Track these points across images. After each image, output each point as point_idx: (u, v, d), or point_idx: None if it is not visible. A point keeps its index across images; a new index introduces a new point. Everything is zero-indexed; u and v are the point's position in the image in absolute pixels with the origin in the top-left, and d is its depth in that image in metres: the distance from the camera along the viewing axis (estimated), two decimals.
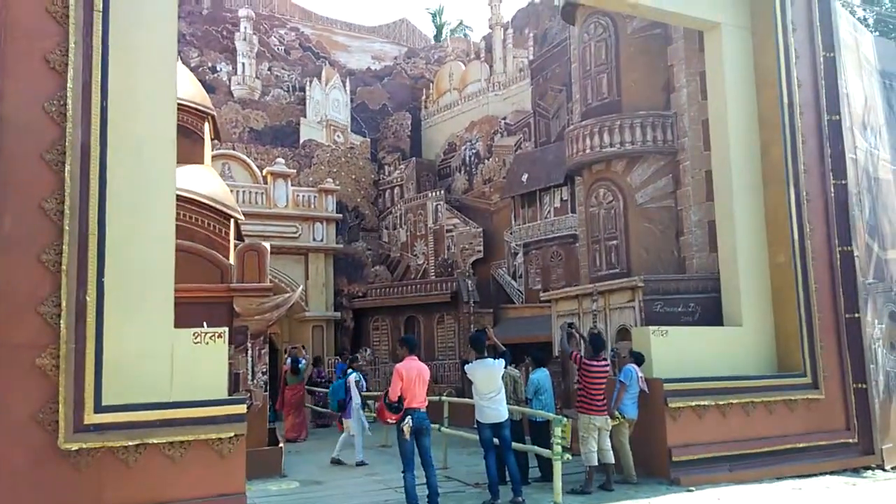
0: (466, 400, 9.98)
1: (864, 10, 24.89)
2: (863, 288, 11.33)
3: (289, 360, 14.93)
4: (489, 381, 8.36)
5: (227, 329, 7.24)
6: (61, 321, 6.10)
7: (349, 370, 12.51)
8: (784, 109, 11.08)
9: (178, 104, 11.59)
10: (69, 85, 6.39)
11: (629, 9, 11.50)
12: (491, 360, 8.47)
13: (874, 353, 11.41)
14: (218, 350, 7.06)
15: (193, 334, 6.96)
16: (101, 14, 6.64)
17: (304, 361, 15.39)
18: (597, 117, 13.59)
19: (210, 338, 7.02)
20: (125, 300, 6.60)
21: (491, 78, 22.15)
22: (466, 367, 8.65)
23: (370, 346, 20.11)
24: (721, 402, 9.76)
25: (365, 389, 12.37)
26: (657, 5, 10.97)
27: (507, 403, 8.75)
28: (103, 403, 6.26)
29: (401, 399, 7.68)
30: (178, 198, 10.82)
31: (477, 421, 8.48)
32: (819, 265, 10.90)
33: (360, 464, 11.15)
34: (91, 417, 6.15)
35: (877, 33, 21.92)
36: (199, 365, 6.94)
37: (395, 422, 7.68)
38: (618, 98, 13.68)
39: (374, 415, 9.43)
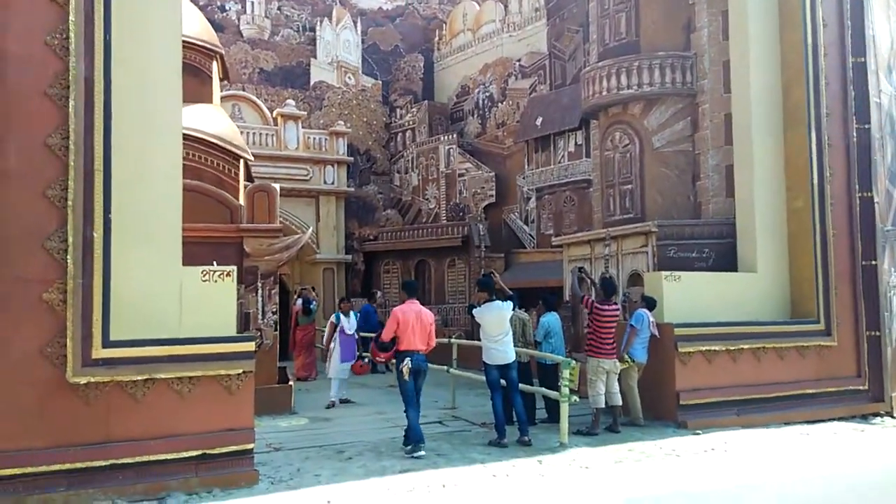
0: (474, 342, 9.98)
1: None
2: (881, 235, 11.14)
3: (299, 301, 14.98)
4: (498, 323, 8.35)
5: (235, 268, 7.19)
6: (68, 256, 6.07)
7: (335, 312, 12.31)
8: (808, 50, 10.73)
9: (185, 42, 11.37)
10: (71, 17, 6.22)
11: None
12: (499, 302, 8.46)
13: (889, 301, 11.28)
14: (227, 288, 7.03)
15: (202, 272, 6.92)
16: None
17: (315, 303, 15.43)
18: (614, 58, 13.21)
19: (219, 276, 6.99)
20: (132, 237, 6.56)
21: (506, 18, 21.61)
22: (475, 310, 8.64)
23: (381, 288, 20.16)
24: (732, 348, 9.71)
25: (352, 330, 11.87)
26: None
27: (516, 346, 8.76)
28: (111, 339, 6.27)
29: (394, 340, 7.79)
30: (186, 137, 10.71)
31: (484, 362, 8.50)
32: (838, 211, 10.70)
33: (329, 406, 11.15)
34: (99, 352, 6.17)
35: None
36: (208, 303, 6.92)
37: (384, 360, 8.07)
38: (636, 38, 13.27)
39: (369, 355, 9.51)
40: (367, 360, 11.21)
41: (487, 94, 21.51)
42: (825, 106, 10.75)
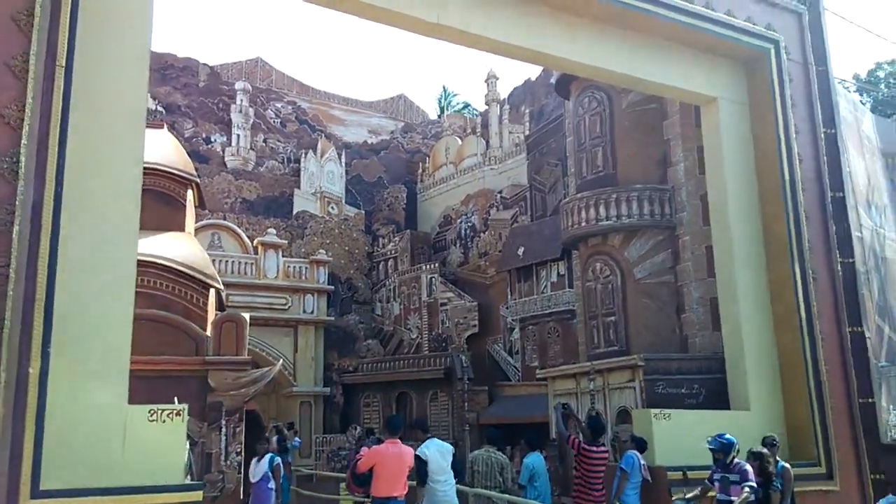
0: (463, 488, 9.13)
1: (861, 94, 24.96)
2: (875, 371, 10.72)
3: (275, 438, 14.08)
4: (444, 459, 7.64)
5: (185, 406, 6.59)
6: None
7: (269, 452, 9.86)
8: (786, 185, 10.69)
9: (158, 170, 11.35)
10: (23, 141, 5.96)
11: (626, 81, 11.29)
12: (437, 439, 7.78)
13: (891, 441, 10.70)
14: (176, 429, 6.41)
15: (149, 411, 6.33)
16: (63, 69, 6.28)
17: (296, 440, 14.52)
18: (592, 190, 13.26)
19: (168, 415, 6.39)
20: (74, 372, 6.01)
21: (487, 152, 22.08)
22: (419, 449, 7.80)
23: (360, 423, 19.23)
24: None
25: (257, 478, 9.53)
26: (653, 79, 10.74)
27: (495, 489, 8.09)
28: (42, 488, 5.59)
29: (369, 475, 7.08)
30: (154, 265, 10.42)
31: None
32: (829, 346, 10.30)
33: None
34: None
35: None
36: (155, 445, 6.29)
37: (361, 494, 7.31)
38: (613, 171, 13.40)
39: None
40: None
41: (470, 224, 21.58)
42: (807, 239, 10.59)
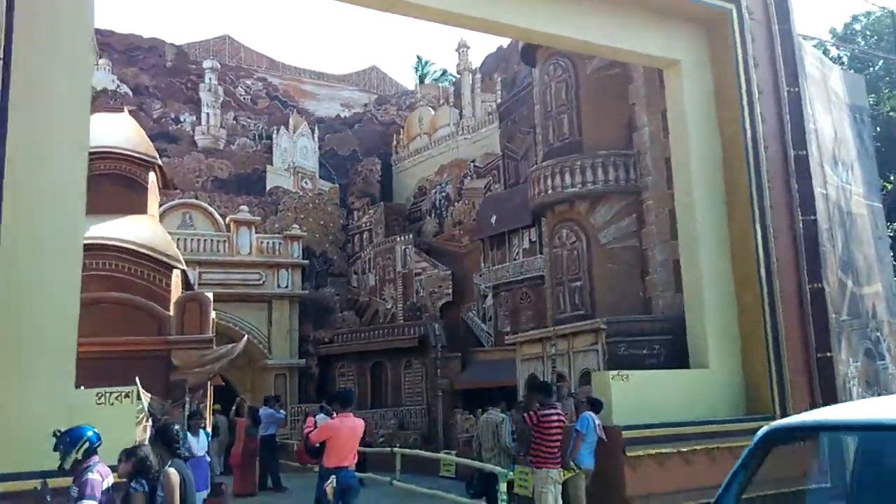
0: (420, 452, 9.30)
1: (838, 48, 24.76)
2: (835, 325, 10.85)
3: (245, 411, 14.19)
4: None
5: (135, 388, 6.64)
6: None
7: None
8: (748, 145, 10.73)
9: (118, 153, 11.29)
10: None
11: (586, 48, 11.23)
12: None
13: (849, 393, 10.88)
14: (126, 411, 6.46)
15: (97, 394, 6.37)
16: (2, 62, 6.22)
17: (283, 413, 14.75)
18: (558, 158, 13.26)
19: (117, 397, 6.43)
20: (19, 360, 6.04)
21: (460, 122, 22.01)
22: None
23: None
24: (684, 449, 9.18)
25: (202, 451, 9.14)
26: (614, 44, 10.69)
27: (492, 449, 8.72)
28: None
29: (323, 445, 7.10)
30: (114, 248, 10.40)
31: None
32: (788, 303, 10.42)
33: None
34: None
35: (851, 71, 21.39)
36: (104, 429, 6.30)
37: (311, 465, 7.39)
38: (579, 138, 13.37)
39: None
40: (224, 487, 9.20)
41: (444, 194, 21.57)
42: (768, 199, 10.65)
